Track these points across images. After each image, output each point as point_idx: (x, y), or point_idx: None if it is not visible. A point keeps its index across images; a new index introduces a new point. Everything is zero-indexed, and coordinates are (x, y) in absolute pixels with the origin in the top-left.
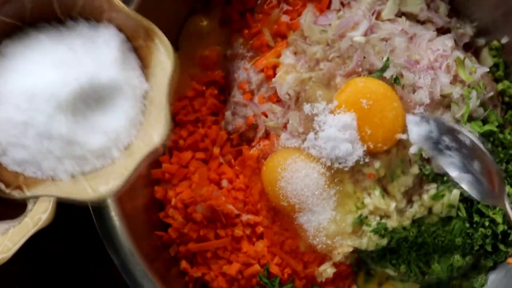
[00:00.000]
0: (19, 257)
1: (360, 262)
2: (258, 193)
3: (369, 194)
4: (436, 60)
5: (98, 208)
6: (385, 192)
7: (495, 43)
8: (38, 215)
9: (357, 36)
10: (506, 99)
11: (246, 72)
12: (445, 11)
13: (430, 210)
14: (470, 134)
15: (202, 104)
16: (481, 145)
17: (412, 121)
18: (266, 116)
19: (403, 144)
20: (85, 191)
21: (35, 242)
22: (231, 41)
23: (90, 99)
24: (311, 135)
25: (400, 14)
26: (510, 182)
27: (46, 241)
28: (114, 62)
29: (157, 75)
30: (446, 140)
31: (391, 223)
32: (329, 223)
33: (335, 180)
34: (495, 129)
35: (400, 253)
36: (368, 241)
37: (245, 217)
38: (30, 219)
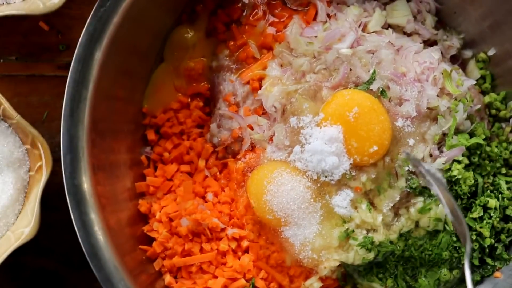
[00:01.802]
0: (2, 271)
1: (346, 276)
2: (243, 207)
3: (355, 208)
4: (423, 73)
5: (81, 222)
6: (372, 205)
7: (482, 55)
8: (20, 230)
9: (344, 48)
10: (493, 111)
11: (232, 84)
12: (432, 23)
13: (417, 224)
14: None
15: (187, 116)
16: (458, 211)
17: None
18: (252, 128)
19: (389, 158)
20: None
21: (19, 256)
22: (216, 53)
23: None
24: (297, 148)
25: (386, 26)
26: (497, 196)
27: (29, 255)
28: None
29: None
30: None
31: (378, 237)
32: (315, 237)
33: (321, 194)
34: (482, 142)
35: (387, 267)
36: (354, 255)
37: (230, 231)
38: (12, 233)
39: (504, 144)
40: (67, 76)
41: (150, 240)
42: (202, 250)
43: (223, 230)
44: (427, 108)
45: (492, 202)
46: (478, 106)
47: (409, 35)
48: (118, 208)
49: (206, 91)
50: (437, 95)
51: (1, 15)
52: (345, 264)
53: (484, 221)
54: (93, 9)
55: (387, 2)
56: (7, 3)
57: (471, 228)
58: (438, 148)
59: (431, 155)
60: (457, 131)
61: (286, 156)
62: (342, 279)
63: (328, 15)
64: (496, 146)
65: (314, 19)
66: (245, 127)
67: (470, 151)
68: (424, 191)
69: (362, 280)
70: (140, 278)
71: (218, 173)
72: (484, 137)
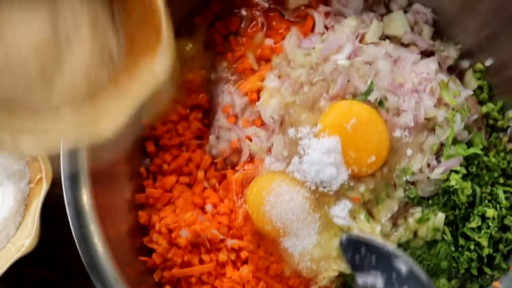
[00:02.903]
0: (2, 282)
1: (345, 286)
2: (242, 218)
3: (354, 218)
4: (420, 83)
5: (81, 234)
6: (370, 215)
7: (479, 65)
8: (21, 241)
9: (341, 60)
10: (491, 121)
11: (230, 96)
12: (429, 33)
13: (415, 234)
14: (408, 260)
15: (186, 128)
16: (420, 275)
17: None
18: (251, 140)
19: (387, 168)
20: None
21: (19, 268)
22: (215, 65)
23: None
24: (295, 159)
25: (384, 37)
26: (494, 205)
27: (29, 266)
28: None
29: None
30: (373, 260)
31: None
32: (314, 247)
33: (320, 204)
34: (479, 152)
35: None
36: None
37: (229, 242)
38: (13, 245)
39: (502, 154)
40: None
41: (149, 251)
42: (201, 261)
43: (222, 241)
44: (425, 118)
45: (490, 212)
46: (476, 116)
47: (406, 46)
48: (117, 219)
49: (205, 103)
50: (435, 106)
51: None
52: (344, 274)
53: (482, 231)
54: None
55: (384, 13)
56: None
57: (469, 238)
58: (436, 158)
59: (429, 165)
60: (455, 141)
61: (285, 167)
62: None
63: (326, 27)
64: (494, 156)
65: (312, 30)
66: (243, 138)
67: (468, 161)
68: (422, 201)
69: None
70: None
71: (217, 184)
72: (481, 147)
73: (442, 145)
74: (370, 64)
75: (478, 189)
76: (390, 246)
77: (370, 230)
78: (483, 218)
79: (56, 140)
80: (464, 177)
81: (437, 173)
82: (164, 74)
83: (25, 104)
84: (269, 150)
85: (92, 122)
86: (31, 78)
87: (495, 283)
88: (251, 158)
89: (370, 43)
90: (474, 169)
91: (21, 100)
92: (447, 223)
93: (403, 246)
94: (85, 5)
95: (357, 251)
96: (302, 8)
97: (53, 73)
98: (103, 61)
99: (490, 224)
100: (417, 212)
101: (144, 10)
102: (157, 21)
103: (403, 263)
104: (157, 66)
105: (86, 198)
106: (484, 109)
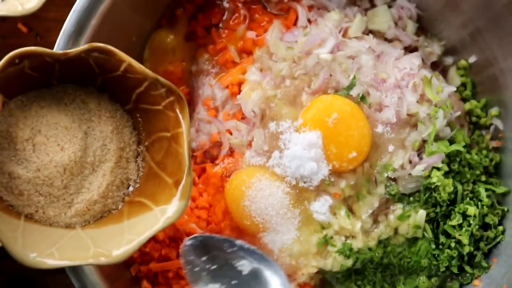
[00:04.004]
0: None
1: (325, 283)
2: (221, 212)
3: (334, 214)
4: (403, 79)
5: None
6: (351, 211)
7: (462, 62)
8: None
9: (324, 54)
10: (474, 119)
11: (211, 89)
12: (413, 29)
13: (396, 231)
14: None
15: None
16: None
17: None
18: (231, 133)
19: (369, 164)
20: None
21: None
22: (196, 57)
23: None
24: (276, 153)
25: (367, 32)
26: (476, 203)
27: (7, 260)
28: None
29: None
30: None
31: (357, 244)
32: (294, 243)
33: (300, 200)
34: (462, 149)
35: (366, 274)
36: (333, 262)
37: None
38: None
39: (484, 152)
40: None
41: None
42: (179, 256)
43: None
44: (407, 114)
45: (472, 210)
46: (458, 113)
47: (390, 41)
48: None
49: (185, 95)
50: (417, 102)
51: None
52: (323, 271)
53: (463, 229)
54: (71, 12)
55: (368, 8)
56: None
57: (450, 236)
58: (418, 155)
59: (410, 162)
60: (437, 138)
61: (265, 161)
62: (321, 286)
63: (309, 20)
64: (476, 154)
65: (295, 24)
66: (224, 131)
67: (450, 158)
68: (403, 198)
69: (341, 287)
70: (117, 283)
71: (196, 178)
72: (464, 144)
73: (424, 141)
74: (353, 59)
75: (459, 187)
76: (239, 241)
77: (350, 227)
78: (464, 216)
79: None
80: (446, 174)
81: (419, 169)
82: (174, 219)
83: (43, 217)
84: (250, 144)
85: (93, 244)
86: (53, 192)
87: (476, 282)
88: (231, 152)
89: (353, 38)
90: (456, 166)
91: (40, 212)
92: (428, 220)
93: (384, 243)
94: (115, 136)
95: (199, 256)
96: (285, 1)
97: (74, 192)
98: (120, 188)
99: (471, 222)
100: (398, 208)
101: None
102: (181, 172)
103: (248, 263)
104: (170, 208)
105: None
106: (467, 106)
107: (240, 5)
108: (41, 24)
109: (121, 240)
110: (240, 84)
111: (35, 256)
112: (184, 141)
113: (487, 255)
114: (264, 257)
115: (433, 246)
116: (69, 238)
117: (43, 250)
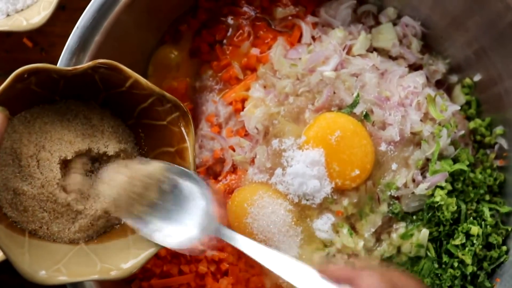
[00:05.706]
0: None
1: None
2: None
3: (337, 232)
4: (406, 97)
5: None
6: (353, 230)
7: (467, 80)
8: None
9: (327, 71)
10: (478, 137)
11: (215, 105)
12: (418, 47)
13: (399, 249)
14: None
15: None
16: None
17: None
18: (234, 150)
19: (372, 182)
20: None
21: None
22: (200, 73)
23: None
24: (278, 170)
25: (371, 49)
26: (480, 223)
27: (6, 274)
28: None
29: None
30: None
31: (359, 262)
32: None
33: (302, 217)
34: (465, 168)
35: None
36: None
37: (209, 253)
38: None
39: (488, 171)
40: None
41: None
42: (180, 272)
43: (202, 252)
44: (411, 132)
45: (475, 229)
46: (463, 132)
47: (394, 59)
48: None
49: (189, 111)
50: (421, 120)
51: None
52: None
53: (467, 248)
54: (75, 27)
55: (372, 26)
56: None
57: (453, 255)
58: (421, 174)
59: (413, 180)
60: (441, 157)
61: (268, 178)
62: None
63: (313, 37)
64: (480, 173)
65: (299, 41)
66: (227, 148)
67: (454, 177)
68: (406, 216)
69: None
70: None
71: None
72: (468, 163)
73: (427, 160)
74: (357, 77)
75: (463, 206)
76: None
77: (353, 245)
78: (468, 235)
79: None
80: (449, 193)
81: (422, 188)
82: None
83: (47, 233)
84: (252, 161)
85: (99, 260)
86: (57, 208)
87: None
88: (234, 169)
89: (357, 55)
90: (460, 185)
91: (44, 228)
92: (431, 239)
93: (386, 261)
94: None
95: None
96: (290, 18)
97: (79, 207)
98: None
99: (474, 241)
100: (401, 227)
101: None
102: None
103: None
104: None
105: None
106: (472, 124)
107: (244, 22)
108: (46, 39)
109: (128, 254)
110: (243, 100)
111: (44, 273)
112: (190, 156)
113: (490, 275)
114: (182, 169)
115: (436, 265)
116: (74, 253)
117: (50, 266)
